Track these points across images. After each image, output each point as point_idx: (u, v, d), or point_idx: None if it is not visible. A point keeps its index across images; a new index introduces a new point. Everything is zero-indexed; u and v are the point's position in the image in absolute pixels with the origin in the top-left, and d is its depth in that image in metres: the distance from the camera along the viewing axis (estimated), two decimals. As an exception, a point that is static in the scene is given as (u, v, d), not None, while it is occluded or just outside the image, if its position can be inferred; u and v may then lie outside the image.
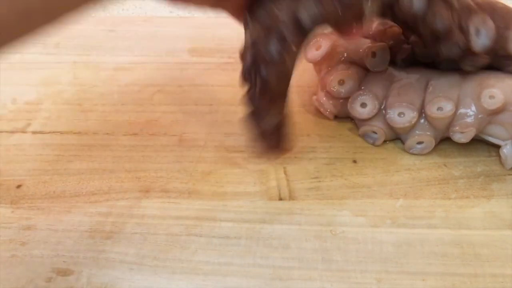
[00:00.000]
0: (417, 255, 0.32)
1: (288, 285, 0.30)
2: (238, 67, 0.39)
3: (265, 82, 0.29)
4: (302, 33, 0.28)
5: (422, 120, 0.37)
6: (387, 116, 0.37)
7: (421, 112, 0.37)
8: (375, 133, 0.38)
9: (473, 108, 0.35)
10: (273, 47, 0.28)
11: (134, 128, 0.38)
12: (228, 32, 0.52)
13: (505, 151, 0.36)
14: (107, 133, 0.40)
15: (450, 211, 0.34)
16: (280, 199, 0.35)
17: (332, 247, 0.32)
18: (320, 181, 0.36)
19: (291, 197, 0.35)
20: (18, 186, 0.36)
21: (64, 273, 0.31)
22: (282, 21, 0.28)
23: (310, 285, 0.30)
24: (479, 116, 0.35)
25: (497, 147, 0.37)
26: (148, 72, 0.44)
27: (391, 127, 0.37)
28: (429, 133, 0.37)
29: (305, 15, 0.28)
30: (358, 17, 0.29)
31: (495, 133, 0.36)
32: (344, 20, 0.29)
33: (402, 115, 0.36)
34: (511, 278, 0.30)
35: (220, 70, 0.47)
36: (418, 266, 0.31)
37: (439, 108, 0.35)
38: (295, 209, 0.34)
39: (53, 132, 0.39)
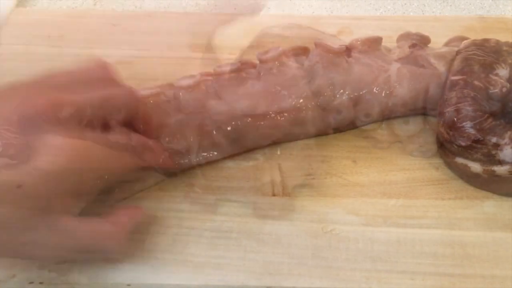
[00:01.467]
0: (407, 255, 0.32)
1: (278, 279, 0.31)
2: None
3: None
4: None
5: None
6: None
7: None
8: None
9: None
10: None
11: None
12: (229, 28, 0.52)
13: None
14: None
15: (443, 211, 0.34)
16: (274, 195, 0.35)
17: (322, 244, 0.32)
18: (314, 178, 0.36)
19: (285, 193, 0.35)
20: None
21: (64, 273, 0.31)
22: None
23: (299, 280, 0.30)
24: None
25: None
26: (149, 66, 0.45)
27: None
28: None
29: None
30: None
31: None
32: None
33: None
34: (500, 280, 0.30)
35: (221, 66, 0.47)
36: (408, 265, 0.31)
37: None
38: (287, 205, 0.34)
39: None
